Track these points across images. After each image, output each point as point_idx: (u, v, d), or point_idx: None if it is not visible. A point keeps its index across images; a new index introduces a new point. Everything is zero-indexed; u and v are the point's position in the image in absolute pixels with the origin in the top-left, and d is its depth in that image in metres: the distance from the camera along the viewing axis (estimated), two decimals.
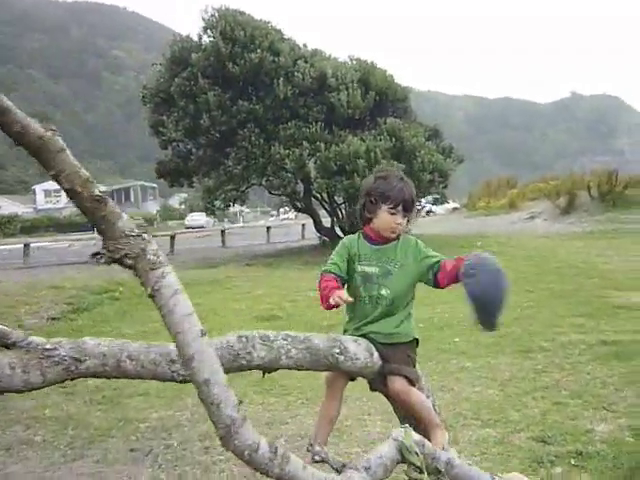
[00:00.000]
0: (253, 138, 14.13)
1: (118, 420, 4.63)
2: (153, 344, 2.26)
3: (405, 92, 15.75)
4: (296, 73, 14.16)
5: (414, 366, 2.53)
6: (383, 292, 2.51)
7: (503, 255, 14.02)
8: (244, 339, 2.27)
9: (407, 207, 2.42)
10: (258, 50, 14.02)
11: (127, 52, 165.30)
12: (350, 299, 2.35)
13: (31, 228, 47.44)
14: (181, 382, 2.24)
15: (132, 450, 4.26)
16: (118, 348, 2.14)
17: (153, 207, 73.25)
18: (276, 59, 14.23)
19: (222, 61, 14.09)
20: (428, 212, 17.45)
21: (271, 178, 14.08)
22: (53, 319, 7.97)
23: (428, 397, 2.63)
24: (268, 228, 24.41)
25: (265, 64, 14.11)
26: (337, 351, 2.38)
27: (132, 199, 79.92)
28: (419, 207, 16.94)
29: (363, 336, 2.53)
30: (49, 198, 76.96)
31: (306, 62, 14.47)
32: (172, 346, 2.18)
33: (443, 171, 14.61)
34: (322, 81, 14.28)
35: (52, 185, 79.50)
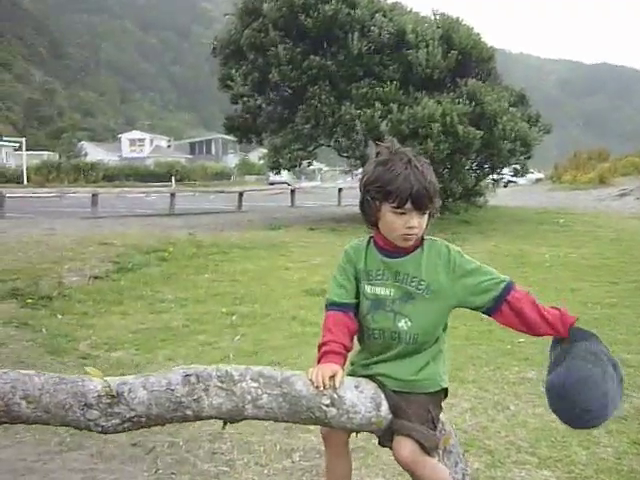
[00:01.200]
0: (323, 96, 13.36)
1: None
2: (65, 378, 1.66)
3: (491, 52, 14.51)
4: (372, 27, 13.20)
5: (434, 426, 1.82)
6: (402, 325, 1.80)
7: (587, 235, 12.87)
8: (193, 379, 1.63)
9: (420, 203, 1.77)
10: (333, 1, 13.11)
11: (216, 5, 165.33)
12: (340, 381, 1.75)
13: (113, 176, 48.59)
14: (101, 433, 1.64)
15: (134, 445, 3.75)
16: (11, 385, 1.54)
17: (233, 161, 73.84)
18: (352, 12, 13.29)
19: (295, 12, 13.30)
20: (508, 182, 16.25)
21: (340, 139, 13.32)
22: (96, 278, 7.65)
23: (457, 463, 1.92)
24: (340, 190, 23.61)
25: (340, 17, 13.21)
26: (326, 402, 1.71)
27: (213, 152, 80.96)
28: (498, 177, 15.80)
29: (371, 377, 1.85)
30: (134, 147, 78.96)
31: (384, 16, 13.47)
32: (93, 383, 1.57)
33: (526, 141, 13.42)
34: (400, 37, 13.27)
35: (137, 134, 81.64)
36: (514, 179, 16.28)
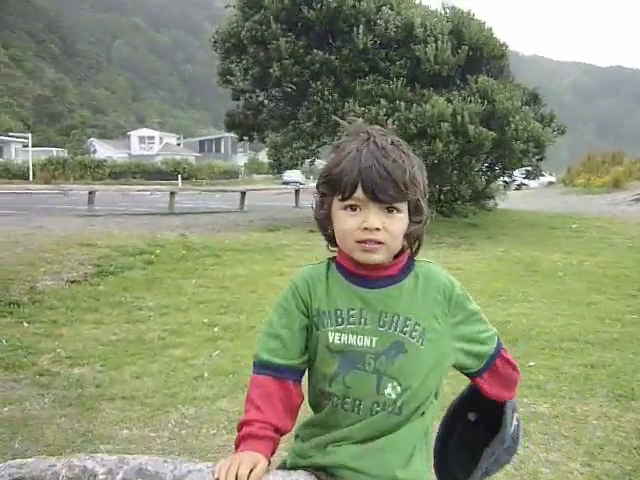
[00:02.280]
0: (326, 92, 12.77)
1: (79, 435, 3.59)
2: None
3: (503, 49, 13.86)
4: (379, 21, 12.57)
5: None
6: (389, 391, 1.21)
7: (602, 242, 12.22)
8: None
9: (377, 189, 1.22)
10: None
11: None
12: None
13: (119, 173, 48.24)
14: None
15: None
16: None
17: (242, 160, 73.51)
18: (357, 4, 12.66)
19: (297, 4, 12.70)
20: (520, 185, 15.59)
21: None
22: (72, 282, 7.11)
23: None
24: None
25: (344, 9, 12.58)
26: None
27: (222, 150, 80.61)
28: (508, 181, 15.14)
29: (326, 470, 1.28)
30: (143, 145, 78.71)
31: (391, 9, 12.83)
32: None
33: (540, 141, 12.76)
34: (408, 31, 12.63)
35: (147, 132, 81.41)
36: (526, 181, 15.63)
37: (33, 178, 40.91)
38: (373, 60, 12.84)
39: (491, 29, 13.75)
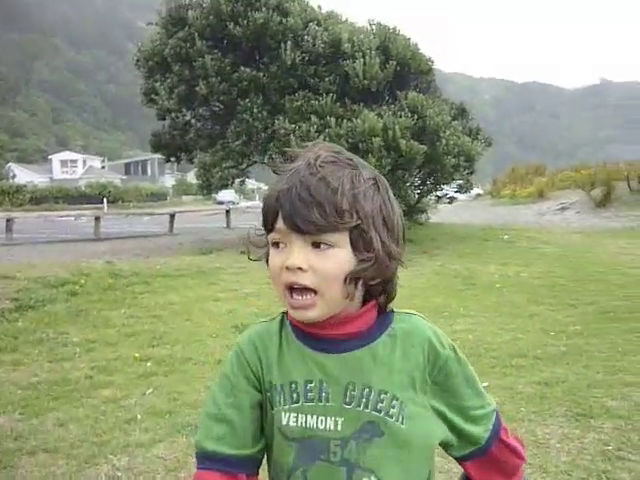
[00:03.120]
0: (255, 110, 12.48)
1: None
2: None
3: (430, 64, 13.97)
4: (306, 37, 12.42)
5: None
6: None
7: (534, 252, 12.40)
8: None
9: (296, 216, 0.94)
10: (264, 9, 12.27)
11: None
12: None
13: (41, 199, 46.42)
14: None
15: None
16: None
17: (170, 181, 72.43)
18: (284, 20, 12.48)
19: (223, 20, 12.40)
20: (451, 199, 15.75)
21: (274, 156, 12.46)
22: None
23: None
24: None
25: (271, 25, 12.36)
26: None
27: (149, 172, 79.10)
28: (440, 195, 15.25)
29: None
30: (65, 168, 76.29)
31: (319, 25, 12.71)
32: None
33: (470, 155, 12.88)
34: (336, 47, 12.53)
35: (69, 155, 78.98)
36: (457, 195, 15.80)
37: None
38: (302, 76, 12.67)
39: (417, 44, 13.85)
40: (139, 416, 4.14)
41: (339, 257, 0.95)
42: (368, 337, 1.01)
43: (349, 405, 0.98)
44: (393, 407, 0.98)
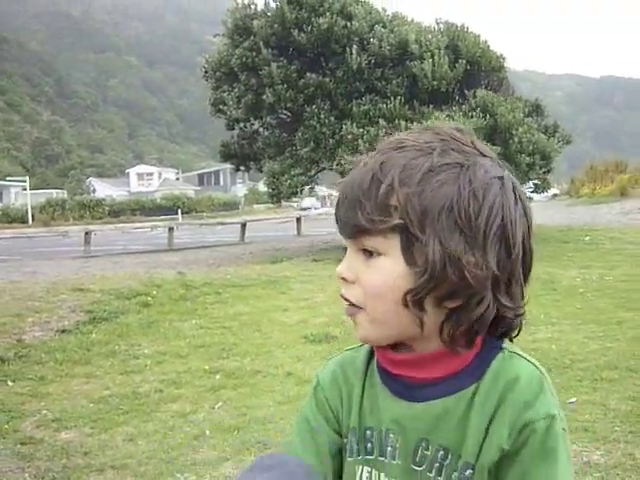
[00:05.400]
0: (322, 116, 12.39)
1: None
2: None
3: (501, 61, 13.51)
4: (372, 40, 12.22)
5: None
6: None
7: (619, 254, 11.73)
8: None
9: (343, 220, 0.78)
10: (328, 14, 12.17)
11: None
12: None
13: (119, 211, 48.04)
14: None
15: None
16: None
17: (241, 191, 73.66)
18: (349, 24, 12.33)
19: (287, 28, 12.37)
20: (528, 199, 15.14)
21: (343, 161, 12.33)
22: (63, 332, 6.62)
23: None
24: None
25: (336, 30, 12.23)
26: None
27: (221, 182, 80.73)
28: None
29: None
30: (142, 181, 78.83)
31: (384, 27, 12.50)
32: None
33: (545, 153, 12.34)
34: (403, 48, 12.29)
35: (145, 168, 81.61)
36: (533, 195, 15.20)
37: (32, 221, 40.62)
38: (369, 80, 12.49)
39: (487, 41, 13.42)
40: (207, 432, 4.04)
41: (385, 268, 0.76)
42: (456, 383, 0.79)
43: (419, 467, 0.78)
44: (466, 472, 0.76)
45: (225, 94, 13.24)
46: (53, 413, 4.54)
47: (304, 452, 0.83)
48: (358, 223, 0.75)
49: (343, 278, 0.78)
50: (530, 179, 13.47)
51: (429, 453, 0.78)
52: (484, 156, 0.78)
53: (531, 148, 11.92)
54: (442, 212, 0.74)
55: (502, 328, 0.80)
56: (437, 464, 0.77)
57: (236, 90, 13.09)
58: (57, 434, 4.19)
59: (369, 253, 0.76)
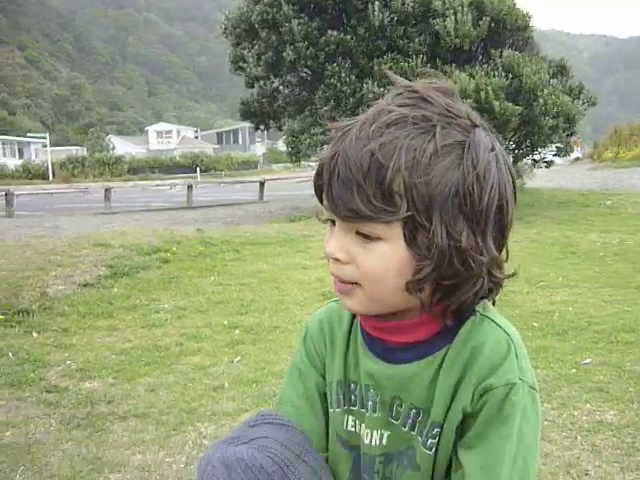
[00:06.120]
0: (343, 74, 12.24)
1: (87, 462, 3.20)
2: None
3: (527, 20, 13.19)
4: None
5: None
6: None
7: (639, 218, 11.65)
8: None
9: (339, 204, 0.74)
10: None
11: None
12: None
13: (138, 169, 48.19)
14: None
15: None
16: None
17: (260, 150, 73.45)
18: None
19: None
20: (549, 163, 14.97)
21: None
22: (85, 285, 6.75)
23: None
24: None
25: None
26: None
27: (240, 141, 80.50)
28: (537, 158, 14.51)
29: None
30: (161, 139, 78.85)
31: None
32: None
33: (570, 115, 12.13)
34: (426, 5, 12.03)
35: (164, 126, 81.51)
36: (554, 158, 15.00)
37: (52, 177, 40.94)
38: (390, 38, 12.28)
39: None
40: (226, 384, 4.14)
41: (385, 254, 0.75)
42: (427, 348, 0.82)
43: (395, 421, 0.82)
44: (434, 438, 0.79)
45: (245, 51, 13.11)
46: (77, 363, 4.66)
47: (296, 396, 0.88)
48: (358, 210, 0.72)
49: (336, 258, 0.78)
50: (552, 142, 13.28)
51: (402, 410, 0.82)
52: (476, 126, 0.78)
53: (555, 110, 11.72)
54: (448, 199, 0.74)
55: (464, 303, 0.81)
56: (410, 420, 0.81)
57: (256, 47, 12.96)
58: (81, 383, 4.30)
59: (366, 236, 0.76)
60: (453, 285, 0.77)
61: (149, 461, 3.19)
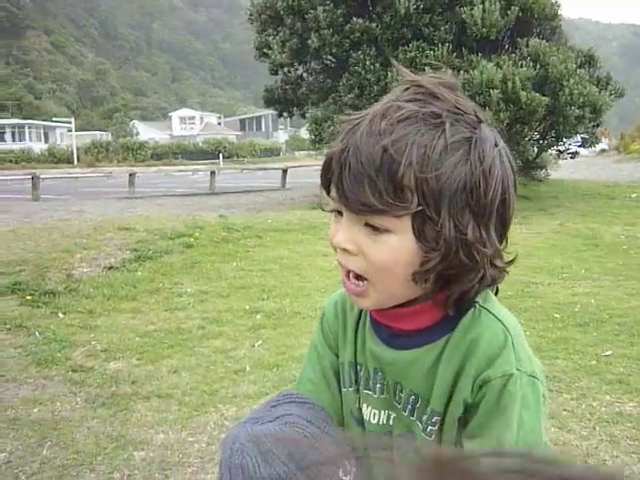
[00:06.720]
0: (368, 62, 12.19)
1: (111, 439, 3.29)
2: None
3: (556, 9, 13.01)
4: None
5: None
6: None
7: None
8: None
9: (350, 196, 0.77)
10: None
11: None
12: None
13: (162, 154, 48.49)
14: None
15: None
16: None
17: (283, 137, 73.39)
18: None
19: None
20: (574, 154, 14.78)
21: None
22: (110, 268, 6.85)
23: None
24: None
25: None
26: None
27: (263, 128, 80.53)
28: (562, 149, 14.35)
29: None
30: (184, 125, 79.16)
31: None
32: None
33: (596, 106, 11.98)
34: None
35: (187, 112, 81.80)
36: (580, 150, 14.83)
37: (77, 162, 41.38)
38: (416, 26, 12.19)
39: None
40: (247, 368, 4.19)
41: (394, 246, 0.78)
42: (428, 337, 0.85)
43: (398, 405, 0.86)
44: (434, 426, 0.83)
45: (270, 38, 13.12)
46: (102, 344, 4.75)
47: (314, 375, 0.93)
48: (370, 203, 0.75)
49: (344, 249, 0.80)
50: (578, 133, 13.12)
51: (403, 395, 0.86)
52: (481, 121, 0.82)
53: (581, 100, 11.57)
54: (456, 193, 0.77)
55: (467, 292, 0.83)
56: (409, 406, 0.85)
57: (281, 34, 12.96)
58: (106, 364, 4.39)
59: (375, 228, 0.78)
60: (455, 274, 0.80)
61: (172, 440, 3.26)
